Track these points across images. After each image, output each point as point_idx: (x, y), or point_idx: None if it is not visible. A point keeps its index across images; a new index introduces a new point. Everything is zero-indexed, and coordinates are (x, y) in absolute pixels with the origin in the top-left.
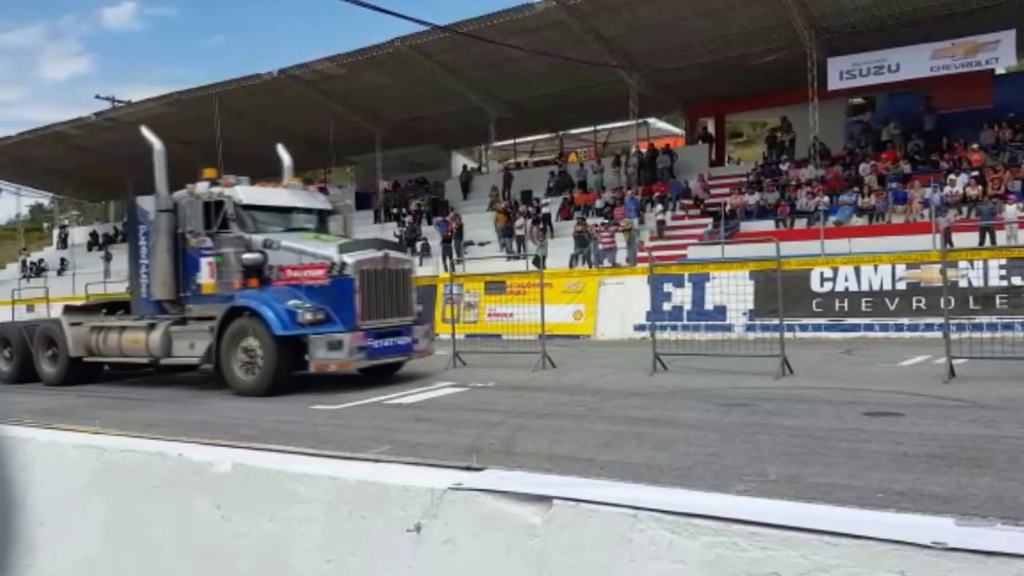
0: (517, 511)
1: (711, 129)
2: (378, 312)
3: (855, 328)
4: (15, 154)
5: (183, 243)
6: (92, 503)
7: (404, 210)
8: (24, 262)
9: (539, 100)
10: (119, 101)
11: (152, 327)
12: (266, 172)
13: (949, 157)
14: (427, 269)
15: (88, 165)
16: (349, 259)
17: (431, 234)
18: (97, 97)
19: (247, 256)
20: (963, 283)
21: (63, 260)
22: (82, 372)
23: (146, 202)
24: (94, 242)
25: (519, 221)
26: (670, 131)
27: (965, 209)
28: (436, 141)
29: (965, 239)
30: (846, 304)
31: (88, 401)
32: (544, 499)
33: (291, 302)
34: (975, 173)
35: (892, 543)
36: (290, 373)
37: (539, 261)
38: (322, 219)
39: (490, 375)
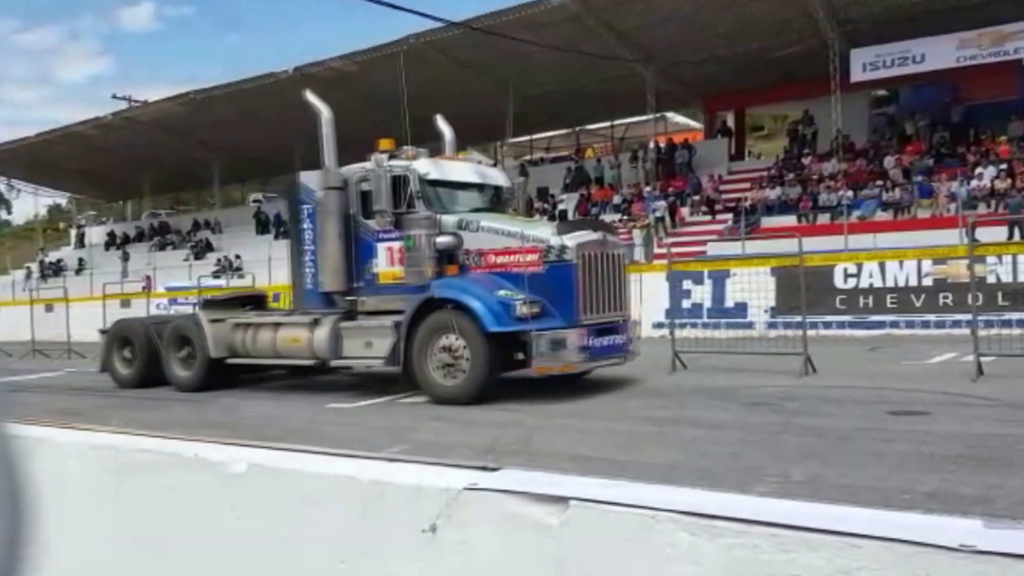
0: (533, 512)
1: (730, 123)
2: (597, 305)
3: (880, 325)
4: (33, 154)
5: (354, 226)
6: (109, 503)
7: None
8: (42, 262)
9: (555, 95)
10: (136, 101)
11: (316, 323)
12: (280, 170)
13: (976, 149)
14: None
15: (105, 165)
16: (570, 242)
17: None
18: (114, 97)
19: (441, 239)
20: (991, 279)
21: (81, 260)
22: (222, 375)
23: (311, 179)
24: (111, 242)
25: (535, 217)
26: (689, 125)
27: (993, 203)
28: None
29: (993, 233)
30: (871, 301)
31: (105, 401)
32: (561, 499)
33: (500, 293)
34: (1003, 166)
35: (918, 545)
36: (497, 377)
37: None
38: (499, 197)
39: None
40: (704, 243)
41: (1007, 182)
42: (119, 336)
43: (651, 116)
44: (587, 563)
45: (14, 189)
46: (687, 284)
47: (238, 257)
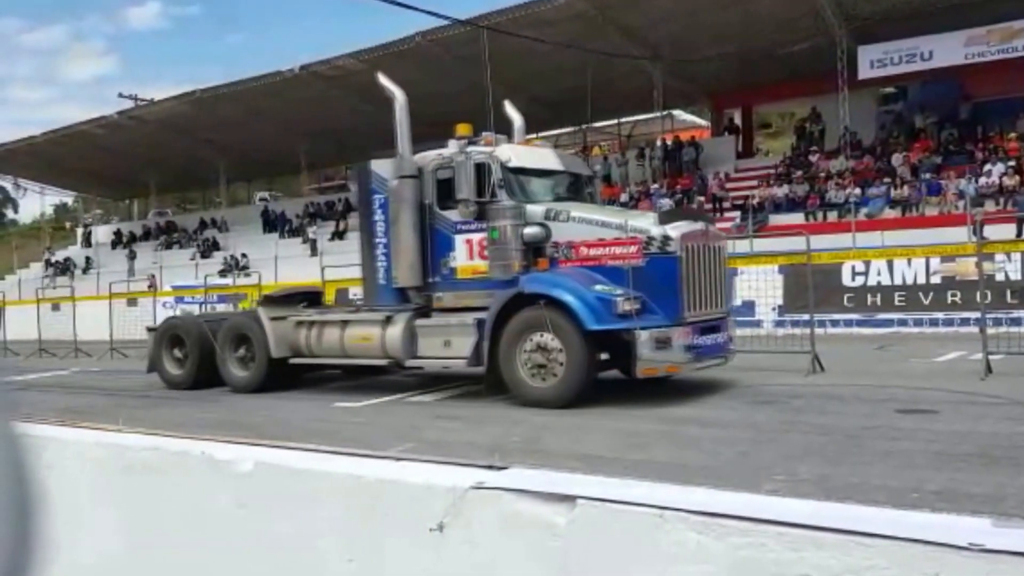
0: (540, 511)
1: (738, 120)
2: (701, 300)
3: (888, 323)
4: (40, 154)
5: (429, 217)
6: (115, 501)
7: None
8: (48, 261)
9: (561, 93)
10: (141, 100)
11: (388, 321)
12: (286, 169)
13: (984, 146)
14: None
15: (111, 164)
16: (673, 232)
17: None
18: (120, 96)
19: (528, 230)
20: (1000, 276)
21: (87, 259)
22: (283, 376)
23: (383, 167)
24: (118, 241)
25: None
26: (696, 123)
27: (1002, 200)
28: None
29: (1001, 231)
30: (878, 299)
31: (112, 400)
32: (568, 498)
33: (597, 288)
34: (1012, 163)
35: (927, 544)
36: (594, 378)
37: None
38: (579, 186)
39: None
40: None
41: (1015, 179)
42: (169, 334)
43: (658, 114)
44: (594, 562)
45: (21, 188)
46: None
47: (244, 256)
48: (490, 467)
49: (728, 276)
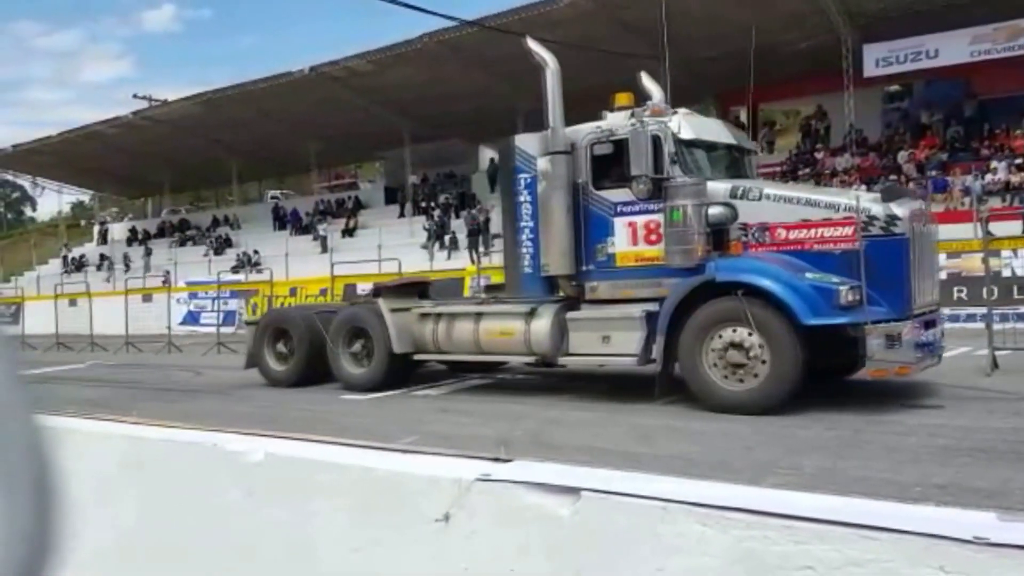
0: (545, 502)
1: (743, 118)
2: (921, 291)
3: None
4: (57, 153)
5: (583, 198)
6: (130, 491)
7: (432, 204)
8: (65, 258)
9: (568, 92)
10: (155, 100)
11: (533, 313)
12: (297, 167)
13: (990, 144)
14: (455, 262)
15: (126, 163)
16: (900, 211)
17: (459, 227)
18: (134, 97)
19: (713, 211)
20: (1006, 272)
21: (103, 256)
22: (404, 372)
23: (529, 143)
24: (133, 238)
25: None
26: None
27: (1008, 197)
28: (464, 135)
29: (1007, 227)
30: None
31: (127, 392)
32: (572, 491)
33: (809, 276)
34: (1018, 160)
35: (931, 537)
36: (804, 381)
37: None
38: (746, 163)
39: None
40: None
41: (1021, 176)
42: (272, 327)
43: None
44: (598, 553)
45: (39, 187)
46: None
47: (256, 252)
48: (496, 459)
49: (937, 265)
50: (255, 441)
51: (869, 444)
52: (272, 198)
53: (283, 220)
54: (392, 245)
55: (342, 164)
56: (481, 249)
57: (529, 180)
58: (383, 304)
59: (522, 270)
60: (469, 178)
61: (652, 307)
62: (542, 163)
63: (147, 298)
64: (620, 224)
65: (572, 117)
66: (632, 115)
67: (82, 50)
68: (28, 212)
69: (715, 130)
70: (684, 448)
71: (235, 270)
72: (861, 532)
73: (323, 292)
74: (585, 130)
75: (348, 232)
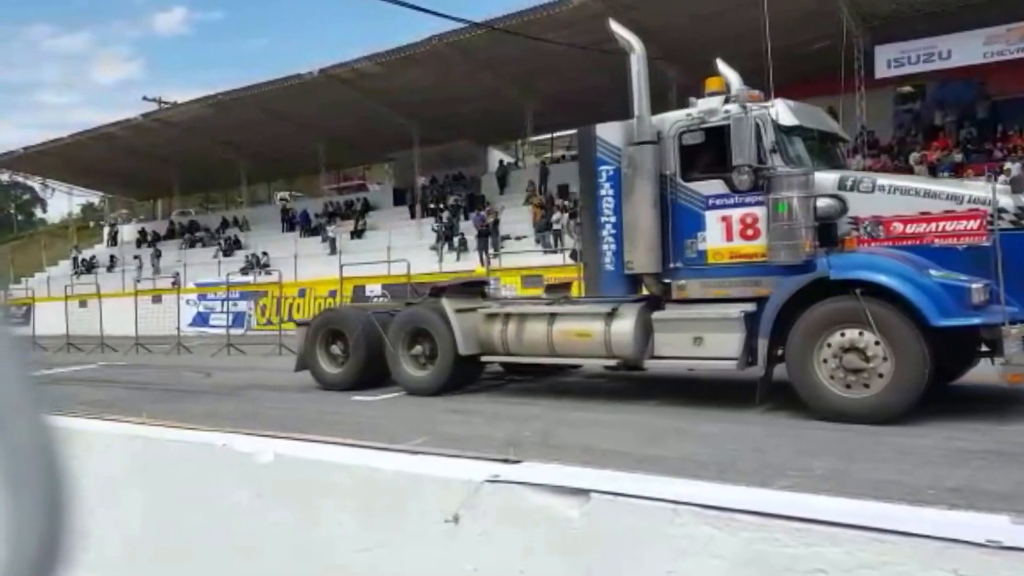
0: (554, 504)
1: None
2: None
3: None
4: (67, 155)
5: (671, 191)
6: (139, 492)
7: (441, 205)
8: (75, 259)
9: (576, 94)
10: (165, 102)
11: (614, 313)
12: (306, 169)
13: (1003, 145)
14: (464, 264)
15: (136, 165)
16: None
17: (468, 229)
18: (144, 99)
19: (822, 203)
20: None
21: (113, 257)
22: (469, 375)
23: (612, 132)
24: (143, 239)
25: (556, 215)
26: None
27: (1022, 197)
28: (472, 137)
29: None
30: None
31: (136, 393)
32: (581, 492)
33: (934, 273)
34: None
35: (944, 541)
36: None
37: (576, 255)
38: (834, 153)
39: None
40: None
41: None
42: (326, 328)
43: None
44: (607, 555)
45: (49, 188)
46: None
47: (265, 254)
48: (505, 461)
49: None
50: (264, 442)
51: (881, 446)
52: (281, 200)
53: (292, 222)
54: (401, 247)
55: (351, 166)
56: (491, 251)
57: (611, 172)
58: (447, 304)
59: (603, 267)
60: (478, 179)
61: (750, 307)
62: (628, 153)
63: (156, 299)
64: (712, 218)
65: (572, 120)
66: (727, 100)
67: (92, 53)
68: (38, 214)
69: (814, 117)
70: (694, 450)
71: (244, 271)
72: (872, 535)
73: (332, 294)
74: (673, 118)
75: (357, 234)
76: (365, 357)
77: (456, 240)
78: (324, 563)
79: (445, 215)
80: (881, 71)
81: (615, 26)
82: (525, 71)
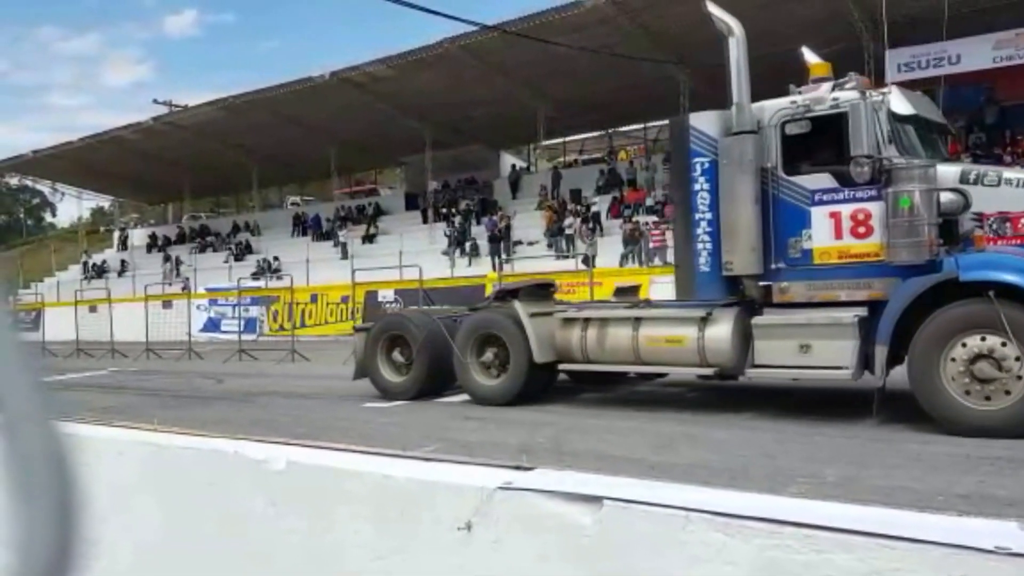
0: (567, 511)
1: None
2: None
3: None
4: (77, 159)
5: (772, 185)
6: (150, 499)
7: (453, 210)
8: (85, 264)
9: (588, 98)
10: (176, 105)
11: (708, 319)
12: (317, 173)
13: (1012, 150)
14: (476, 269)
15: (147, 169)
16: None
17: (480, 234)
18: (155, 102)
19: (946, 198)
20: None
21: (123, 262)
22: (544, 383)
23: (707, 122)
24: (153, 244)
25: (568, 220)
26: None
27: None
28: (485, 141)
29: None
30: None
31: (145, 400)
32: (594, 499)
33: None
34: None
35: (953, 547)
36: None
37: (588, 260)
38: (938, 144)
39: None
40: None
41: None
42: (388, 334)
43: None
44: (620, 562)
45: (58, 192)
46: None
47: (276, 259)
48: (517, 468)
49: None
50: (277, 449)
51: (892, 452)
52: (292, 204)
53: (303, 226)
54: (412, 251)
55: (362, 170)
56: (503, 256)
57: (707, 165)
58: (521, 308)
59: (697, 268)
60: (490, 184)
61: (863, 311)
62: (725, 145)
63: (167, 304)
64: (819, 215)
65: (584, 124)
66: (835, 88)
67: (102, 55)
68: (48, 218)
69: (925, 105)
70: (705, 456)
71: (255, 276)
72: (883, 542)
73: (344, 300)
74: (774, 106)
75: (368, 238)
76: (429, 364)
77: (468, 245)
78: (338, 571)
79: (457, 220)
80: (891, 75)
81: (712, 7)
82: (537, 74)
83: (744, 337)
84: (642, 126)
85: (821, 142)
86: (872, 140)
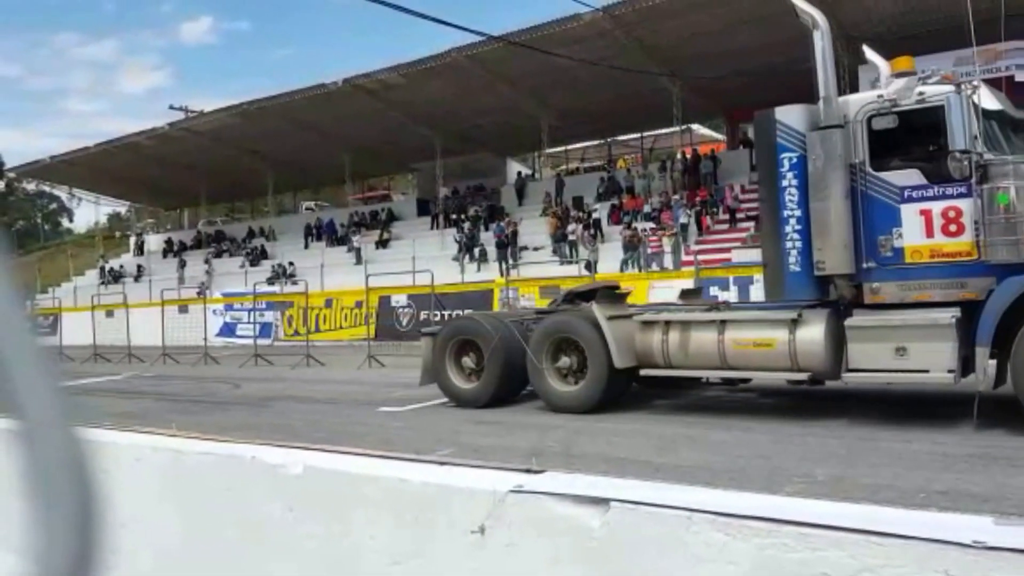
0: (576, 513)
1: (752, 135)
2: None
3: None
4: (93, 165)
5: (861, 181)
6: (169, 505)
7: (463, 216)
8: (102, 269)
9: (588, 108)
10: (192, 111)
11: (799, 321)
12: (331, 179)
13: None
14: (485, 274)
15: (162, 175)
16: None
17: (488, 240)
18: (171, 108)
19: None
20: None
21: (140, 267)
22: (624, 389)
23: (794, 116)
24: (169, 249)
25: (571, 226)
26: (713, 137)
27: None
28: (492, 148)
29: None
30: None
31: (163, 405)
32: (602, 501)
33: None
34: None
35: (936, 543)
36: None
37: (591, 266)
38: (1017, 139)
39: None
40: (728, 250)
41: None
42: (457, 338)
43: (677, 128)
44: (627, 562)
45: (75, 198)
46: (714, 290)
47: (291, 264)
48: (528, 471)
49: None
50: (294, 454)
51: (877, 451)
52: (307, 209)
53: (318, 232)
54: (424, 257)
55: (375, 176)
56: (510, 261)
57: (795, 160)
58: (599, 311)
59: (787, 268)
60: (498, 191)
61: (957, 312)
62: (813, 139)
63: (183, 309)
64: (909, 212)
65: (585, 133)
66: (919, 82)
67: (119, 61)
68: (65, 223)
69: (1007, 102)
70: (706, 458)
71: (271, 281)
72: (872, 538)
73: (358, 304)
74: (860, 101)
75: (382, 244)
76: (501, 370)
77: (476, 251)
78: (356, 575)
79: (466, 226)
80: (864, 89)
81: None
82: (540, 84)
83: (837, 340)
84: (639, 135)
85: (909, 137)
86: (968, 135)
